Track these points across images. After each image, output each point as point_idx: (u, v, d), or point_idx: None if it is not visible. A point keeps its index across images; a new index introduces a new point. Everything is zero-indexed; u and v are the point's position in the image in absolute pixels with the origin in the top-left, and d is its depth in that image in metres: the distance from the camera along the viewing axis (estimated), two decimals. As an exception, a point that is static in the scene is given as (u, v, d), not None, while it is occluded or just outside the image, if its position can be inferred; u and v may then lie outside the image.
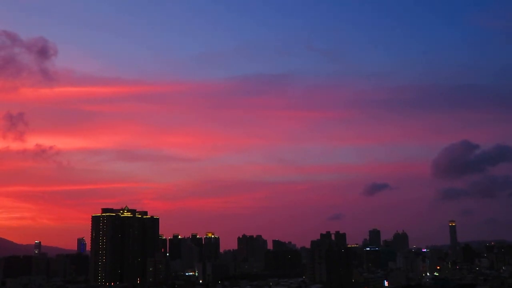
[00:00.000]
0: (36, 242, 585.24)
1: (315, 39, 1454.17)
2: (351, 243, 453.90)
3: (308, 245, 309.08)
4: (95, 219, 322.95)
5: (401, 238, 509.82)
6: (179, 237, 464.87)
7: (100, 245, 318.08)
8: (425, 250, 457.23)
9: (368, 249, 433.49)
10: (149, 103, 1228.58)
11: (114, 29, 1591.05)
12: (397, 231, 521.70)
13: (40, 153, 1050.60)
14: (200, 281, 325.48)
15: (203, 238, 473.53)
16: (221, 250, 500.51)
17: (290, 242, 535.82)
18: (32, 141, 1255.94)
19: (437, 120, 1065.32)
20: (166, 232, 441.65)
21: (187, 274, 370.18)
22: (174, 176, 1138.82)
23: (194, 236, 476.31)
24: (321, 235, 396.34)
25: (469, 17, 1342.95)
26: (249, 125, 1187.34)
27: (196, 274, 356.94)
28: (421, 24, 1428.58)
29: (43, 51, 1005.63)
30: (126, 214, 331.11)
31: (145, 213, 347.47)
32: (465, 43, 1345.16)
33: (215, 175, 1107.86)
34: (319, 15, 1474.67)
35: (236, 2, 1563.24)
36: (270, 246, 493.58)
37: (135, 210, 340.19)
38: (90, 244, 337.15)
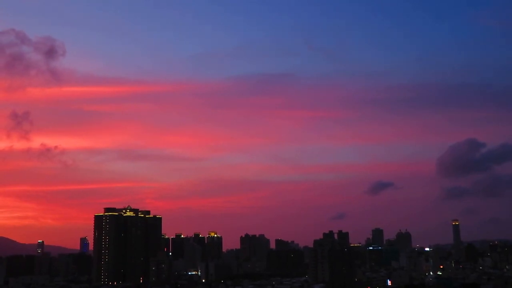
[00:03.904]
0: (39, 242, 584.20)
1: (314, 38, 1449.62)
2: (354, 242, 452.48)
3: (311, 245, 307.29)
4: (97, 219, 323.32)
5: (404, 237, 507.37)
6: (182, 236, 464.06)
7: (103, 244, 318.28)
8: (428, 249, 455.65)
9: (371, 248, 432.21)
10: (151, 102, 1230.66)
11: (114, 30, 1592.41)
12: (400, 230, 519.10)
13: (45, 152, 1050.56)
14: (203, 281, 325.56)
15: (205, 237, 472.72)
16: (224, 249, 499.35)
17: (292, 242, 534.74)
18: (37, 141, 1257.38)
19: (439, 119, 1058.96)
20: (168, 231, 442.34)
21: (189, 273, 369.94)
22: (177, 176, 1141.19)
23: (196, 235, 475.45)
24: (324, 234, 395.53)
25: (469, 17, 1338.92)
26: (250, 125, 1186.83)
27: (199, 273, 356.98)
28: (421, 24, 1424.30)
29: (51, 51, 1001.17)
30: (128, 213, 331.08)
31: (148, 212, 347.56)
32: (465, 42, 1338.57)
33: (217, 174, 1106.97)
34: (319, 14, 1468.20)
35: (235, 2, 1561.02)
36: (272, 245, 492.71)
37: (138, 209, 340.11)
38: (93, 244, 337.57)
